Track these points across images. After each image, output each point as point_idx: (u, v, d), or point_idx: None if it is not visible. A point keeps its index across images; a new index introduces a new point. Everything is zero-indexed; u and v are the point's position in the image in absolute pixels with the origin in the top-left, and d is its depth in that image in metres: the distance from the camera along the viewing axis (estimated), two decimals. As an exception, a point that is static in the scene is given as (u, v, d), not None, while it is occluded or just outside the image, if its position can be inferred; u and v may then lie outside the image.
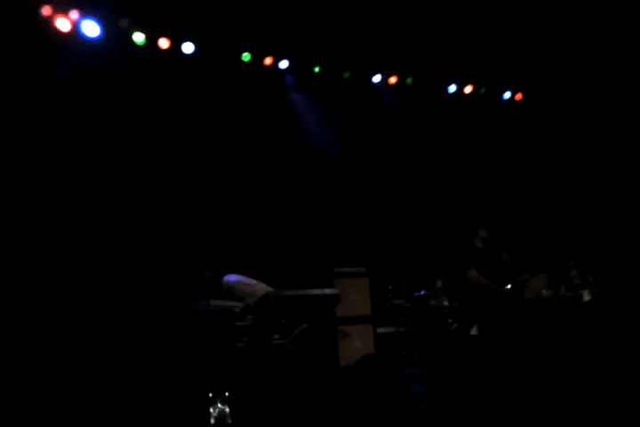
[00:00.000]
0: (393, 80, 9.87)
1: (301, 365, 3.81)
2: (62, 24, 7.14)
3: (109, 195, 7.28)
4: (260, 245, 8.11)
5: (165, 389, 3.91)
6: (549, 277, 8.62)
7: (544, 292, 8.17)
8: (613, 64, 9.75)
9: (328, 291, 6.24)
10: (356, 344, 7.22)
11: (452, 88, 10.40)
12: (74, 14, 7.20)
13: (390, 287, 8.39)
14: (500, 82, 10.64)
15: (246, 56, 8.56)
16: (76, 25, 7.25)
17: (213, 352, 4.63)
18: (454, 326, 8.27)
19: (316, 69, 9.24)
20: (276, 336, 5.65)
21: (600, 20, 8.90)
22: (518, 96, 10.87)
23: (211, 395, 3.16)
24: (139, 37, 7.67)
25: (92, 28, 7.32)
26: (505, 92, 10.82)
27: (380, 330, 7.63)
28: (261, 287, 5.89)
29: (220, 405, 3.14)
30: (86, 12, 7.28)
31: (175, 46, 7.99)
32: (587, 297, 8.60)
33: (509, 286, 7.14)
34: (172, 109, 8.02)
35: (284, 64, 8.98)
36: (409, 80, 9.97)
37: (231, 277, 5.97)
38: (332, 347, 6.18)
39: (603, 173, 10.47)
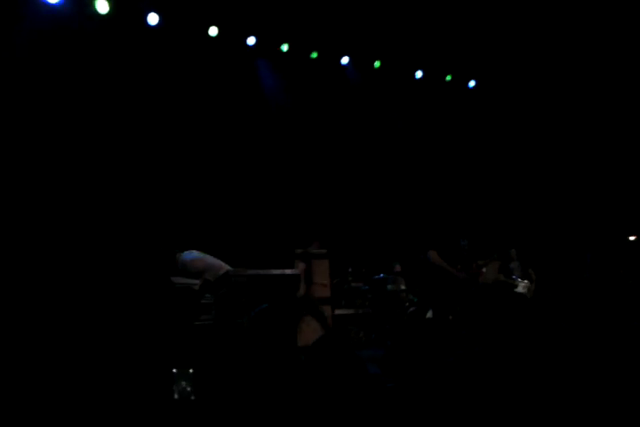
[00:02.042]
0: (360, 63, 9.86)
1: (260, 344, 3.83)
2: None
3: (75, 171, 7.12)
4: (223, 223, 8.06)
5: (129, 365, 3.89)
6: (501, 265, 8.80)
7: (500, 277, 8.34)
8: (578, 55, 9.91)
9: (288, 271, 6.26)
10: (315, 325, 7.26)
11: (419, 74, 10.44)
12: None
13: (350, 270, 8.45)
14: (467, 70, 10.72)
15: (213, 30, 8.40)
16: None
17: (175, 329, 4.61)
18: (410, 309, 8.40)
19: (284, 48, 9.15)
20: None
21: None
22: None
23: (175, 371, 3.16)
24: (102, 6, 7.44)
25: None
26: (470, 80, 10.91)
27: (339, 312, 7.70)
28: (218, 263, 5.83)
29: (183, 381, 3.14)
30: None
31: (139, 17, 7.79)
32: (521, 289, 8.63)
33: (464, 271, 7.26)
34: (133, 82, 7.84)
35: (251, 41, 8.86)
36: (377, 63, 9.97)
37: (187, 255, 5.88)
38: (290, 327, 6.22)
39: (564, 162, 10.71)
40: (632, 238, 8.91)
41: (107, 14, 7.46)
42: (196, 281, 5.54)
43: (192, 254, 5.88)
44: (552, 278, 8.95)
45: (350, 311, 8.05)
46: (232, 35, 8.64)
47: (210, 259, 5.91)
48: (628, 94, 10.19)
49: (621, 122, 10.42)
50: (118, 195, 7.38)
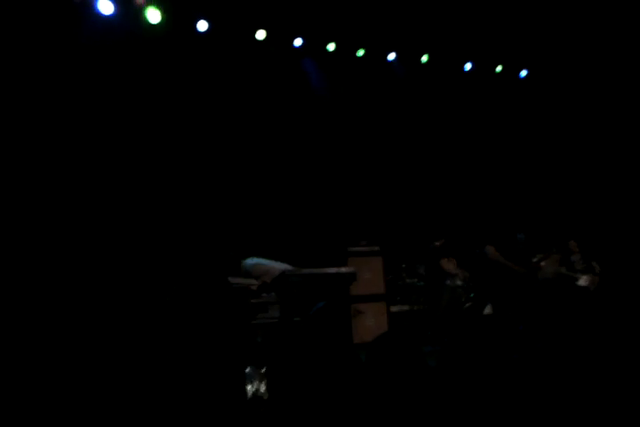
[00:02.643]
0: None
1: (319, 342, 3.86)
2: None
3: (120, 172, 7.34)
4: (275, 224, 8.14)
5: (201, 365, 3.97)
6: (562, 258, 8.59)
7: (562, 270, 8.15)
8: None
9: (344, 269, 6.27)
10: (370, 322, 7.29)
11: (468, 66, 10.29)
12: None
13: (403, 266, 8.41)
14: (517, 60, 10.49)
15: (260, 34, 8.49)
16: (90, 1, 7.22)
17: (240, 329, 4.68)
18: (467, 305, 8.30)
19: (331, 48, 9.16)
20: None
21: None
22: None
23: (247, 370, 3.22)
24: (154, 15, 7.62)
25: (106, 5, 7.30)
26: (522, 70, 10.68)
27: (394, 308, 7.68)
28: (278, 266, 5.92)
29: (256, 380, 3.19)
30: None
31: (189, 24, 7.95)
32: (582, 282, 8.40)
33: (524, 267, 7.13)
34: (184, 88, 8.01)
35: (297, 42, 8.91)
36: (425, 58, 9.87)
37: (250, 261, 6.02)
38: (346, 324, 6.25)
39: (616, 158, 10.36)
40: None
41: (158, 24, 7.64)
42: (254, 281, 5.63)
43: (253, 260, 6.02)
44: (617, 271, 8.66)
45: (406, 308, 8.02)
46: (279, 37, 8.72)
47: (270, 263, 6.02)
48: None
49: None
50: (171, 199, 7.56)
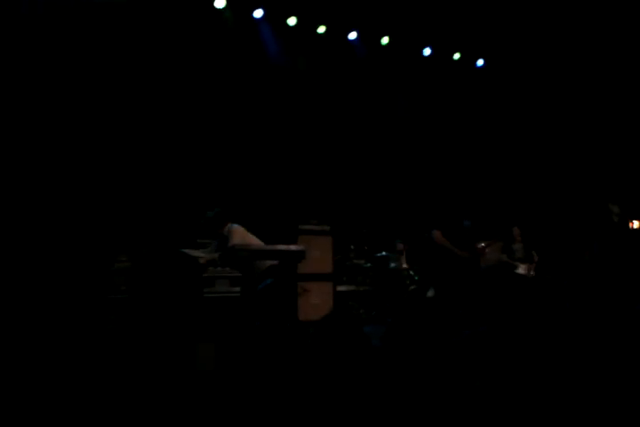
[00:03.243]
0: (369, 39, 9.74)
1: (265, 317, 3.86)
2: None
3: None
4: (227, 199, 8.05)
5: (149, 338, 3.92)
6: (504, 246, 8.81)
7: (504, 257, 8.37)
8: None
9: (293, 247, 6.26)
10: (315, 301, 7.31)
11: (427, 51, 10.34)
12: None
13: (352, 247, 8.47)
14: (476, 49, 10.60)
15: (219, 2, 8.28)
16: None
17: (186, 302, 4.64)
18: (411, 287, 8.45)
19: (291, 22, 9.03)
20: (236, 289, 5.67)
21: None
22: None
23: (196, 343, 3.19)
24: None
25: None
26: (479, 59, 10.81)
27: (340, 288, 7.74)
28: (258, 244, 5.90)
29: (206, 355, 3.16)
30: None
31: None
32: (521, 270, 8.66)
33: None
34: (134, 55, 7.78)
35: (258, 13, 8.74)
36: (384, 40, 9.85)
37: (235, 225, 5.92)
38: (293, 302, 6.26)
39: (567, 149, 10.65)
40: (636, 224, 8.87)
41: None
42: (202, 254, 5.55)
43: (237, 226, 5.89)
44: (554, 261, 8.96)
45: (352, 288, 8.09)
46: (239, 6, 8.53)
47: (249, 236, 5.94)
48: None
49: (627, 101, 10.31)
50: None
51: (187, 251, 5.49)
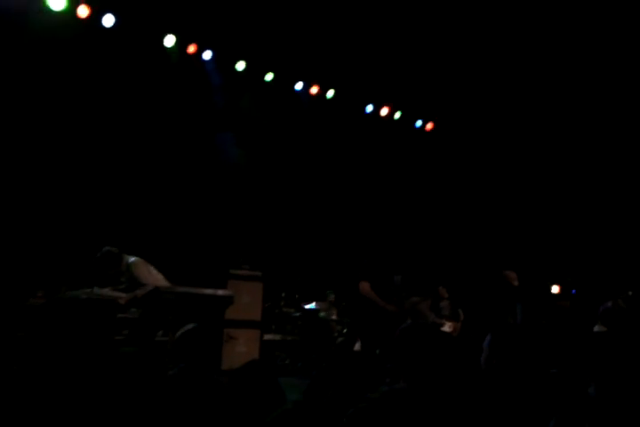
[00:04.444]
0: (314, 90, 9.93)
1: (182, 364, 3.70)
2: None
3: None
4: (157, 239, 7.88)
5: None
6: (432, 303, 8.88)
7: (431, 316, 8.40)
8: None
9: (221, 292, 6.13)
10: (242, 349, 7.12)
11: (370, 108, 10.58)
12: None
13: (283, 295, 8.38)
14: (417, 109, 10.94)
15: (169, 40, 8.29)
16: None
17: (93, 344, 4.41)
18: (339, 339, 8.37)
19: (240, 67, 9.11)
20: (159, 333, 5.47)
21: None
22: (429, 126, 11.21)
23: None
24: (58, 3, 7.28)
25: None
26: (418, 120, 11.13)
27: (267, 337, 7.59)
28: (160, 279, 5.63)
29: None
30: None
31: (95, 17, 7.64)
32: (447, 328, 8.69)
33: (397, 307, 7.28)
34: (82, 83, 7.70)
35: (207, 55, 8.80)
36: (331, 93, 10.06)
37: (133, 258, 5.61)
38: (216, 349, 6.08)
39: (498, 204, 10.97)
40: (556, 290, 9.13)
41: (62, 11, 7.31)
42: (123, 294, 5.33)
43: (136, 258, 5.59)
44: (479, 321, 9.05)
45: (279, 337, 7.95)
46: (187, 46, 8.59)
47: (152, 269, 5.66)
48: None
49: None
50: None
51: (98, 290, 5.22)
